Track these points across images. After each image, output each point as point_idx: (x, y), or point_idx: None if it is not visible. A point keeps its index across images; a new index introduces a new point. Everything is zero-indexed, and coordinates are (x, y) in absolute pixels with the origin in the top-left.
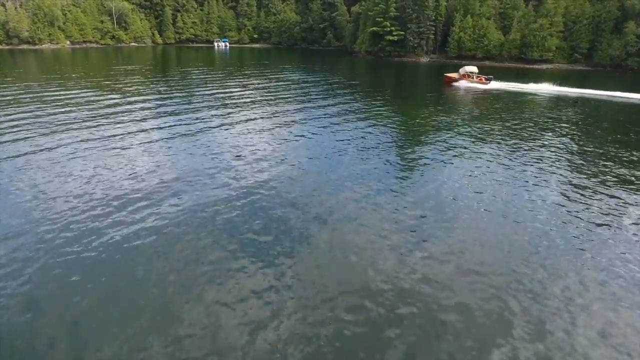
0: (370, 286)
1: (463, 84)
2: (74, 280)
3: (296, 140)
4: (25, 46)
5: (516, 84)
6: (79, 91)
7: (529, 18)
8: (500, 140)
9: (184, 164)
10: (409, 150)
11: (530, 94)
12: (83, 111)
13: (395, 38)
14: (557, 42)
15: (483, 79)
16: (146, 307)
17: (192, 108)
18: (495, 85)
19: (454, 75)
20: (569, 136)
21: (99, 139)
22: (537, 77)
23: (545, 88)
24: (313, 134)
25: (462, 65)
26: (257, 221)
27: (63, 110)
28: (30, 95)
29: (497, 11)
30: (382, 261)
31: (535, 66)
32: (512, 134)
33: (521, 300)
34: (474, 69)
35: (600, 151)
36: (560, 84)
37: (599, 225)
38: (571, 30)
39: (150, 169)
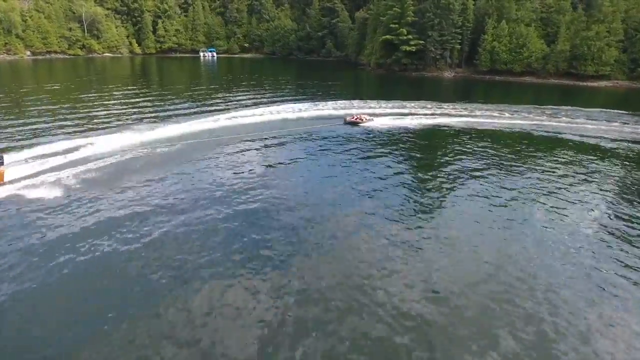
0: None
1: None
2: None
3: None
4: None
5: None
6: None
7: (579, 24)
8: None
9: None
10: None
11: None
12: None
13: (413, 48)
14: (615, 54)
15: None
16: (151, 315)
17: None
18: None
19: None
20: None
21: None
22: (592, 98)
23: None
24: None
25: (495, 83)
26: (257, 232)
27: None
28: None
29: (539, 16)
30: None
31: (589, 83)
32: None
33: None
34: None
35: None
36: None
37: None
38: (633, 39)
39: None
